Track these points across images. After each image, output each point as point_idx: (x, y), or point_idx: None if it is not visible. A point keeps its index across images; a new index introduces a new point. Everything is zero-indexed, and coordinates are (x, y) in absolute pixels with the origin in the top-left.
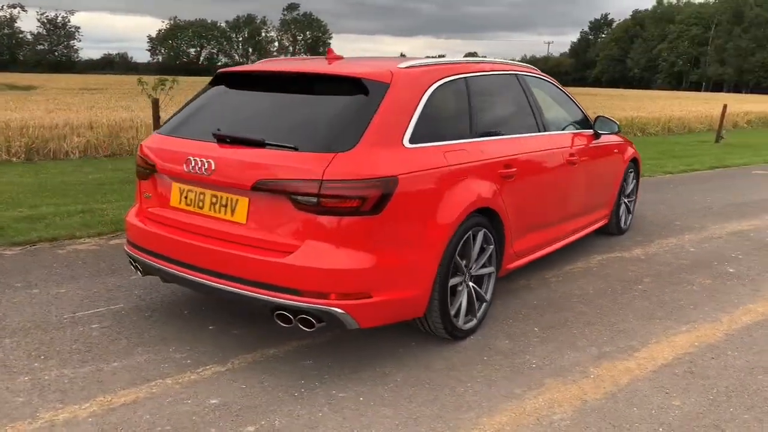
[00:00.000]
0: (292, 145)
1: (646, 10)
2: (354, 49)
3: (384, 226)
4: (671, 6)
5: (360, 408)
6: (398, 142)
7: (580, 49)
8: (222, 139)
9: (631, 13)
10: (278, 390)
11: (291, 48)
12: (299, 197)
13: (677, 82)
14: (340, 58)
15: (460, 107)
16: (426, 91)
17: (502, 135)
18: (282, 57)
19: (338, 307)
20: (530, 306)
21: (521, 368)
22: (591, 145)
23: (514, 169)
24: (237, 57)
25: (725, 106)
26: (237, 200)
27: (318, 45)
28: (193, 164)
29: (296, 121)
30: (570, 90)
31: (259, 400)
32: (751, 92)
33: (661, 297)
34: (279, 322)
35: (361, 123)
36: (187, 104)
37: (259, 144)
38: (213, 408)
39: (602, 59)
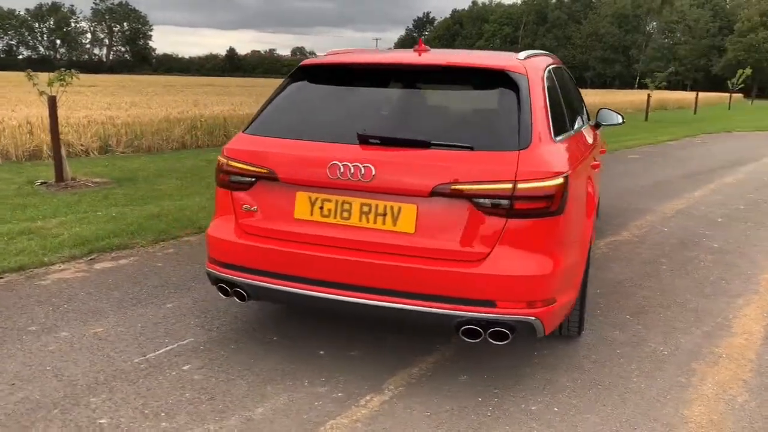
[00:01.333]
0: (468, 145)
1: (464, 10)
2: (174, 43)
3: (562, 227)
4: (485, 6)
5: (565, 418)
6: (551, 137)
7: (406, 45)
8: (366, 141)
9: (450, 13)
10: (468, 412)
11: (107, 41)
12: (489, 200)
13: None
14: (428, 49)
15: (559, 98)
16: (544, 82)
17: (576, 126)
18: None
19: (533, 315)
20: (596, 295)
21: (659, 356)
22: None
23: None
24: (42, 49)
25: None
26: (401, 208)
27: (138, 37)
28: (341, 170)
29: (443, 118)
30: None
31: (463, 426)
32: None
33: (693, 275)
34: (464, 338)
35: (523, 118)
36: (270, 100)
37: (424, 145)
38: None
39: None
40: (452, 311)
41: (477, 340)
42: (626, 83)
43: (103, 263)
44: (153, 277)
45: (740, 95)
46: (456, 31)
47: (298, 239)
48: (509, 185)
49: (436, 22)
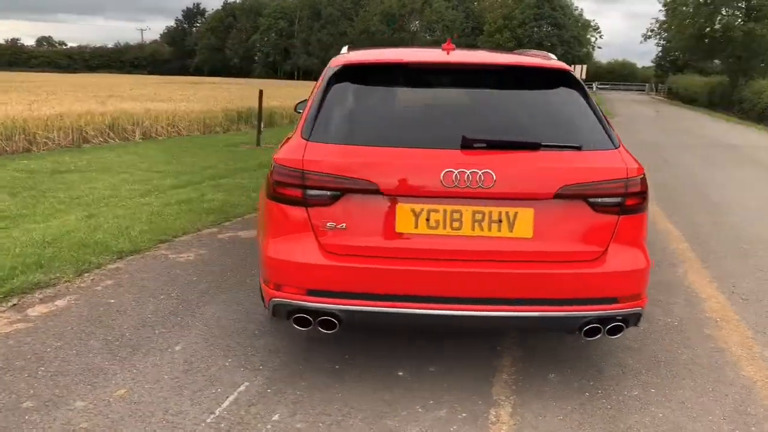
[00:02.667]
0: (576, 145)
1: (236, 2)
2: None
3: (646, 222)
4: (258, 0)
5: (666, 393)
6: None
7: (177, 37)
8: (471, 145)
9: (222, 4)
10: (591, 408)
11: None
12: (606, 199)
13: (273, 71)
14: (455, 48)
15: None
16: None
17: None
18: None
19: (642, 306)
20: None
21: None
22: None
23: None
24: None
25: (261, 93)
26: (517, 213)
27: None
28: (456, 177)
29: (529, 118)
30: (173, 79)
31: (598, 421)
32: None
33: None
34: (586, 337)
35: (598, 117)
36: (320, 103)
37: (534, 146)
38: None
39: (202, 48)
40: (579, 312)
41: (596, 337)
42: None
43: (36, 308)
44: (123, 317)
45: None
46: (230, 23)
47: (403, 255)
48: (623, 183)
49: (207, 13)
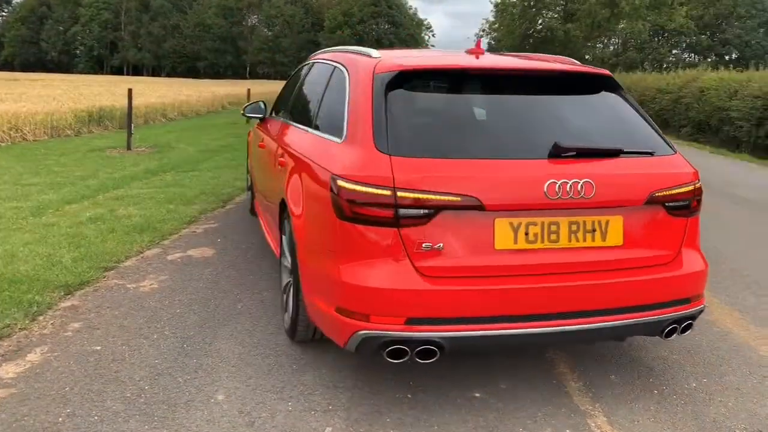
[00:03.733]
0: (650, 151)
1: None
2: None
3: None
4: None
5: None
6: None
7: None
8: (559, 154)
9: None
10: (689, 402)
11: None
12: (681, 203)
13: (99, 66)
14: (483, 51)
15: None
16: None
17: None
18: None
19: (703, 304)
20: None
21: None
22: None
23: None
24: None
25: (130, 92)
26: (608, 221)
27: None
28: (560, 188)
29: (590, 124)
30: None
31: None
32: (168, 76)
33: None
34: (663, 338)
35: (646, 120)
36: (373, 111)
37: (616, 154)
38: None
39: (11, 40)
40: (663, 315)
41: (671, 337)
42: (238, 73)
43: (5, 368)
44: (127, 368)
45: None
46: (43, 13)
47: (503, 273)
48: (692, 186)
49: (14, 2)
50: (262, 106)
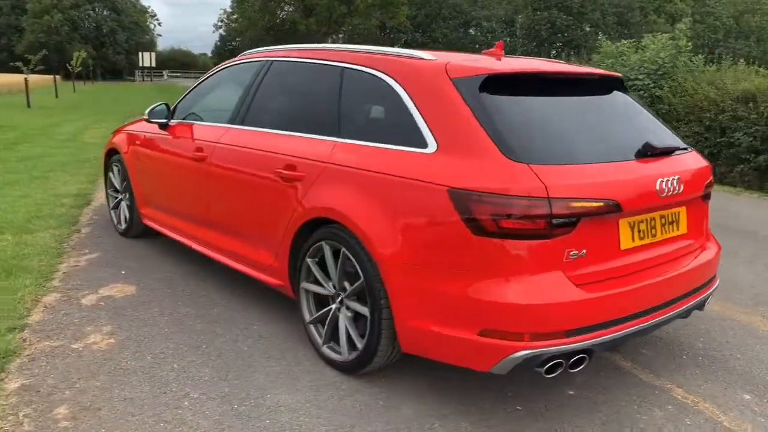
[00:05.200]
0: (687, 148)
1: None
2: None
3: None
4: None
5: None
6: None
7: None
8: (646, 153)
9: None
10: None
11: None
12: (706, 191)
13: None
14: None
15: None
16: None
17: None
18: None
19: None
20: None
21: None
22: None
23: None
24: None
25: None
26: (678, 213)
27: None
28: (664, 186)
29: (637, 124)
30: None
31: None
32: None
33: None
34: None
35: (656, 118)
36: (492, 120)
37: (673, 151)
38: None
39: None
40: (706, 294)
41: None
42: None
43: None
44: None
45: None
46: None
47: (629, 271)
48: (712, 176)
49: None
50: (166, 109)
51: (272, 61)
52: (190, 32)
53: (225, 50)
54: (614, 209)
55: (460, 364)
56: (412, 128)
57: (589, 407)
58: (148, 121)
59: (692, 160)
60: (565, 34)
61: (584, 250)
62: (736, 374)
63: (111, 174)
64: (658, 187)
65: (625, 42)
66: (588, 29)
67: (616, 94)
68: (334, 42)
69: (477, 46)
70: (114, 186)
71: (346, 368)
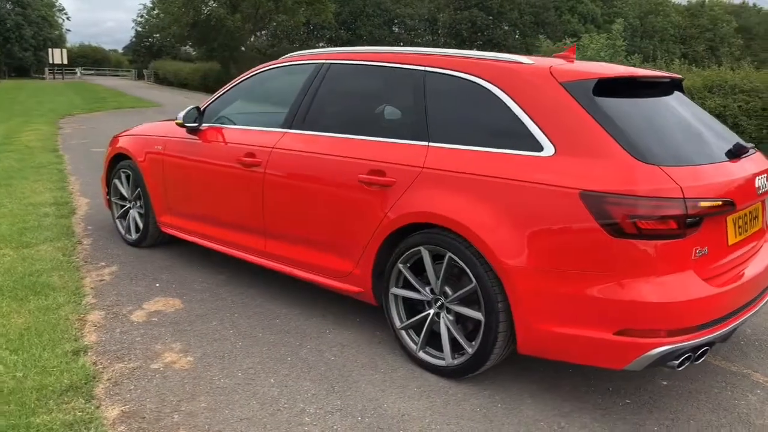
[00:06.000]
0: (754, 147)
1: None
2: None
3: None
4: None
5: None
6: None
7: None
8: (737, 154)
9: None
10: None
11: None
12: None
13: None
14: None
15: None
16: None
17: None
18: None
19: None
20: None
21: None
22: None
23: None
24: None
25: None
26: (758, 208)
27: None
28: (760, 184)
29: (710, 124)
30: None
31: None
32: None
33: None
34: None
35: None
36: (614, 123)
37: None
38: None
39: None
40: None
41: None
42: None
43: None
44: None
45: None
46: None
47: (733, 266)
48: None
49: None
50: (196, 112)
51: (330, 63)
52: (98, 27)
53: (141, 47)
54: (731, 207)
55: (589, 363)
56: (521, 132)
57: (688, 396)
58: (181, 125)
59: (762, 158)
60: (485, 33)
61: (706, 248)
62: None
63: (117, 181)
64: (756, 185)
65: (568, 42)
66: (507, 28)
67: (680, 95)
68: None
69: (401, 43)
70: (120, 194)
71: (448, 373)
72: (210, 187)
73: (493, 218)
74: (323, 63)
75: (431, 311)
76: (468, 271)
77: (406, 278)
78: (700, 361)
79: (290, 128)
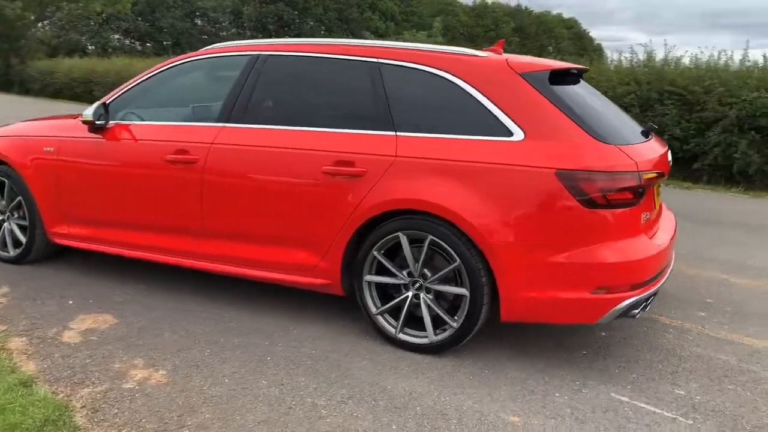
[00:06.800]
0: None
1: None
2: None
3: None
4: None
5: None
6: None
7: None
8: (647, 135)
9: None
10: None
11: None
12: None
13: None
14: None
15: None
16: None
17: None
18: None
19: None
20: None
21: None
22: None
23: None
24: None
25: None
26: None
27: None
28: (668, 159)
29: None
30: None
31: None
32: None
33: None
34: None
35: None
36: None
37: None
38: None
39: None
40: None
41: None
42: None
43: None
44: None
45: None
46: None
47: (658, 229)
48: None
49: None
50: (103, 108)
51: (267, 55)
52: None
53: None
54: (661, 178)
55: (569, 322)
56: (489, 119)
57: (625, 342)
58: (91, 122)
59: (659, 138)
60: (292, 27)
61: (648, 214)
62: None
63: None
64: (669, 160)
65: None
66: (312, 23)
67: (584, 83)
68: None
69: (205, 37)
70: None
71: (431, 349)
72: (126, 190)
73: (476, 200)
74: (259, 54)
75: (409, 293)
76: (451, 251)
77: (379, 264)
78: (647, 309)
79: (228, 122)
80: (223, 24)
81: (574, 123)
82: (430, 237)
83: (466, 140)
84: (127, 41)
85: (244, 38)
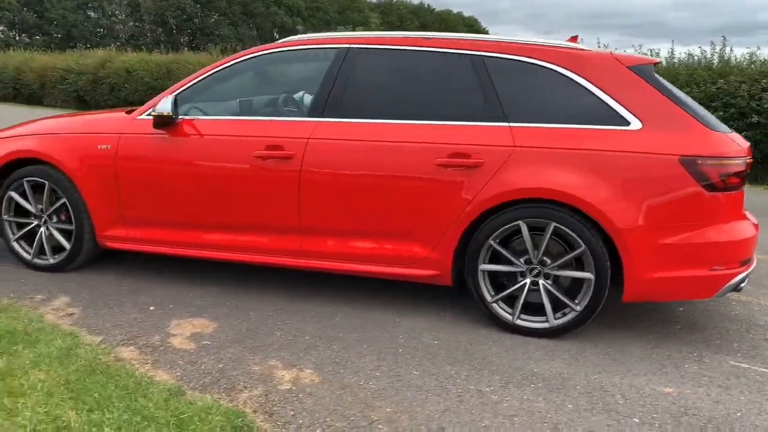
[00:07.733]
0: None
1: None
2: None
3: None
4: None
5: None
6: None
7: None
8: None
9: None
10: None
11: None
12: None
13: None
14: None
15: None
16: None
17: None
18: None
19: None
20: None
21: None
22: None
23: None
24: None
25: None
26: None
27: None
28: None
29: None
30: None
31: None
32: None
33: None
34: None
35: None
36: (681, 100)
37: None
38: None
39: None
40: None
41: None
42: None
43: None
44: None
45: None
46: None
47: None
48: None
49: None
50: (173, 103)
51: (359, 48)
52: None
53: None
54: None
55: (689, 298)
56: (604, 110)
57: (612, 321)
58: (168, 117)
59: None
60: (195, 21)
61: (744, 197)
62: None
63: (15, 195)
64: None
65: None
66: (216, 17)
67: None
68: None
69: (101, 30)
70: (20, 210)
71: (549, 333)
72: (204, 188)
73: (601, 187)
74: (350, 47)
75: (527, 280)
76: (576, 237)
77: (494, 253)
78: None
79: (322, 117)
80: (120, 17)
81: (685, 112)
82: (554, 224)
83: (586, 129)
84: (12, 34)
85: (143, 32)
